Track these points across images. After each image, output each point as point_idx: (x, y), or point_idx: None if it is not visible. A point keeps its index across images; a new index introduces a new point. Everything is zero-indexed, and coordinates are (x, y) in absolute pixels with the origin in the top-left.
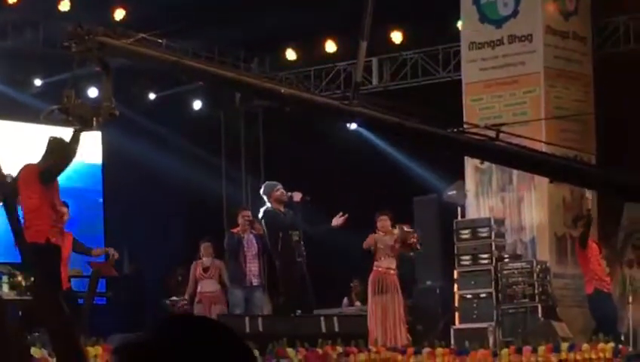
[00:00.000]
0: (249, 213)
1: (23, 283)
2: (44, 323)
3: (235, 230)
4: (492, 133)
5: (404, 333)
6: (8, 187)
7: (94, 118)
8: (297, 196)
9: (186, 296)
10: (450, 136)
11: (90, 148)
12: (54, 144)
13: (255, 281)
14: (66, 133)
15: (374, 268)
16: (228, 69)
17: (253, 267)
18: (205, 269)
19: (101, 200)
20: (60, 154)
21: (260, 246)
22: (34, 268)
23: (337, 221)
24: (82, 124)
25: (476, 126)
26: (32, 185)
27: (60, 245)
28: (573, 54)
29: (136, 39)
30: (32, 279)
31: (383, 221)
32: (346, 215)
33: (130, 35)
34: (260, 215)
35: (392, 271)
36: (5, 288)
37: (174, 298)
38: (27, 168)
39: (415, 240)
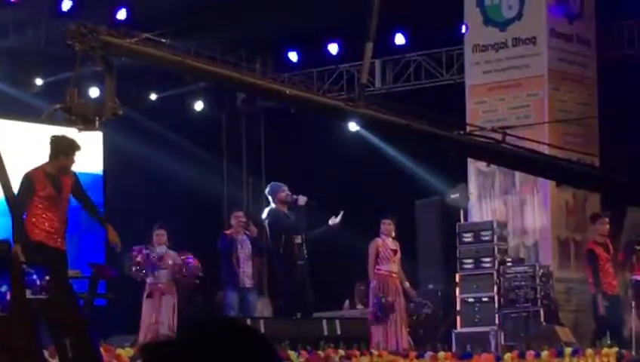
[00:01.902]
0: (242, 214)
1: (38, 282)
2: (59, 322)
3: (228, 231)
4: (498, 136)
5: (406, 337)
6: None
7: (97, 118)
8: (302, 200)
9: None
10: (457, 139)
11: (91, 149)
12: (57, 143)
13: (248, 283)
14: (68, 132)
15: (376, 271)
16: (233, 69)
17: (246, 268)
18: (160, 258)
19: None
20: (64, 152)
21: (254, 248)
22: (43, 268)
23: (334, 221)
24: (85, 123)
25: (482, 128)
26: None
27: (61, 248)
28: (577, 57)
29: (140, 39)
30: (47, 279)
31: (387, 225)
32: (342, 212)
33: (134, 35)
34: (264, 215)
35: (394, 275)
36: None
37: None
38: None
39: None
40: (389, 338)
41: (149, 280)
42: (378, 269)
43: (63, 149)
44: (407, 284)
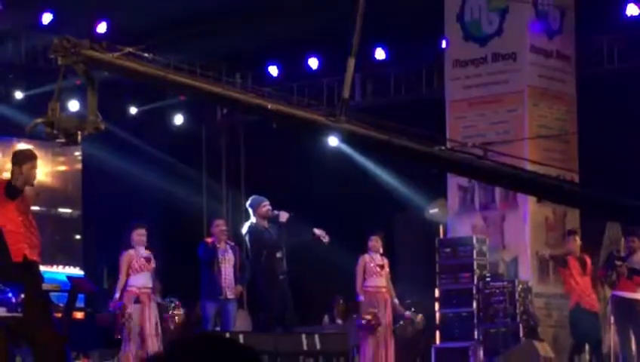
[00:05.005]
0: (223, 222)
1: (14, 300)
2: (35, 338)
3: (209, 239)
4: (479, 152)
5: (392, 354)
6: None
7: (79, 132)
8: (284, 216)
9: (117, 295)
10: (439, 155)
11: (70, 163)
12: (19, 156)
13: (230, 294)
14: (50, 146)
15: (364, 288)
16: (215, 84)
17: (228, 279)
18: (148, 260)
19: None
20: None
21: (237, 257)
22: (19, 285)
23: (320, 232)
24: (67, 137)
25: (464, 144)
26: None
27: (37, 260)
28: (556, 73)
29: (122, 53)
30: (23, 296)
31: (374, 242)
32: (328, 239)
33: (116, 49)
34: (244, 230)
35: (382, 289)
36: None
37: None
38: None
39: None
40: (378, 353)
41: (135, 283)
42: (366, 286)
43: (26, 160)
44: (396, 301)
